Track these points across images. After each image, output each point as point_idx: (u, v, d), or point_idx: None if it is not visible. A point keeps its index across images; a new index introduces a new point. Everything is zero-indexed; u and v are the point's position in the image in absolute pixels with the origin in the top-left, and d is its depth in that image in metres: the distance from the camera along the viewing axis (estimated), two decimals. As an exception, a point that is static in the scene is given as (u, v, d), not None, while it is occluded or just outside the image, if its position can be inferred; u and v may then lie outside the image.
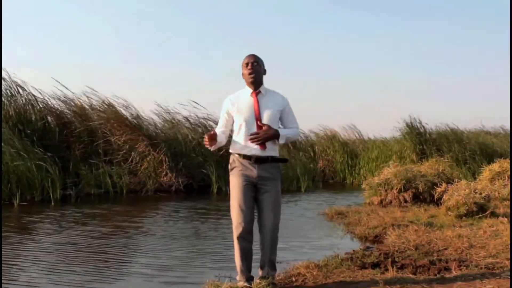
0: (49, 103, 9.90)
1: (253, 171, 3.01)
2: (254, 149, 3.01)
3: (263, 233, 3.07)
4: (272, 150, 3.07)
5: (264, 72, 3.14)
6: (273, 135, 3.02)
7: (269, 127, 3.01)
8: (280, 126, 3.17)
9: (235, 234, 3.00)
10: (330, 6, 28.55)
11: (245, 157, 3.02)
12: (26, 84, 9.64)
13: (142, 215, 6.64)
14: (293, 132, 3.20)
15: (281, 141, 3.07)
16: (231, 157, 3.10)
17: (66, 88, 10.06)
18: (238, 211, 2.98)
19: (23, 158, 7.66)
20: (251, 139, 2.98)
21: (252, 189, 3.03)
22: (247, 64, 3.07)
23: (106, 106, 10.03)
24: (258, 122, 3.02)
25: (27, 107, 9.51)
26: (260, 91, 3.09)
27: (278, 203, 3.11)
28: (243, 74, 3.12)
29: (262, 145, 3.01)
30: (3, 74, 9.25)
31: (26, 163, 7.59)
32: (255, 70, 3.04)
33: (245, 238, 3.00)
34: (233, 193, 3.04)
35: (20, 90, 9.55)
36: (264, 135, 2.99)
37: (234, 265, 3.12)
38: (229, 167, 3.11)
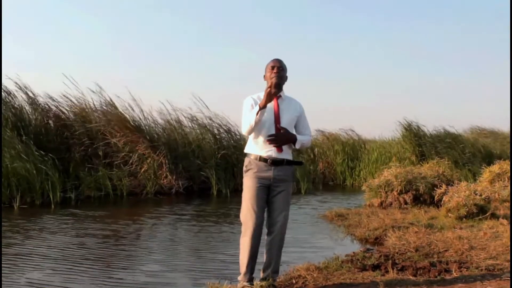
0: (49, 104, 9.92)
1: (269, 173, 3.05)
2: (271, 150, 3.06)
3: (272, 234, 3.11)
4: (287, 153, 3.13)
5: (286, 78, 3.18)
6: (291, 139, 3.09)
7: (287, 130, 3.08)
8: (294, 132, 3.22)
9: (246, 234, 3.03)
10: (328, 6, 28.62)
11: (261, 159, 3.06)
12: (28, 85, 9.68)
13: (132, 220, 6.51)
14: (307, 139, 3.25)
15: (297, 145, 3.13)
16: (247, 159, 3.14)
17: (74, 83, 10.04)
18: (251, 212, 3.02)
19: (22, 160, 7.65)
20: (269, 140, 3.03)
21: (265, 192, 3.07)
22: (272, 67, 3.11)
23: (107, 107, 10.01)
24: (278, 125, 3.07)
25: (27, 109, 9.52)
26: (280, 96, 3.13)
27: (289, 205, 3.16)
28: (265, 77, 3.16)
29: (279, 148, 3.06)
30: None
31: (26, 166, 7.58)
32: (280, 75, 3.08)
33: (255, 239, 3.03)
34: (246, 195, 3.07)
35: (21, 92, 9.59)
36: (283, 137, 3.05)
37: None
38: (244, 168, 3.14)
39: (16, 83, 9.59)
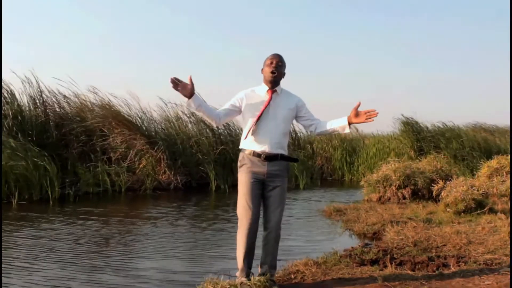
0: (49, 100, 9.88)
1: (263, 168, 3.05)
2: (264, 146, 3.05)
3: (268, 230, 3.11)
4: (281, 149, 3.11)
5: (283, 75, 3.17)
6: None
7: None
8: (299, 124, 3.26)
9: (242, 230, 3.03)
10: (326, 3, 28.54)
11: (255, 154, 3.05)
12: (30, 81, 9.66)
13: (131, 215, 6.53)
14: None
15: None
16: (241, 154, 3.14)
17: (73, 81, 10.04)
18: (246, 208, 3.02)
19: (20, 157, 7.63)
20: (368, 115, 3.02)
21: (260, 187, 3.07)
22: (271, 62, 3.10)
23: (105, 104, 9.98)
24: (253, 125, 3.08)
25: (26, 105, 9.49)
26: (276, 90, 3.12)
27: (284, 200, 3.16)
28: (263, 70, 3.14)
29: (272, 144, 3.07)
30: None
31: (23, 162, 7.56)
32: (278, 70, 3.09)
33: (251, 234, 3.03)
34: (241, 190, 3.07)
35: (20, 89, 9.57)
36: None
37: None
38: (238, 164, 3.15)
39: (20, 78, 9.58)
